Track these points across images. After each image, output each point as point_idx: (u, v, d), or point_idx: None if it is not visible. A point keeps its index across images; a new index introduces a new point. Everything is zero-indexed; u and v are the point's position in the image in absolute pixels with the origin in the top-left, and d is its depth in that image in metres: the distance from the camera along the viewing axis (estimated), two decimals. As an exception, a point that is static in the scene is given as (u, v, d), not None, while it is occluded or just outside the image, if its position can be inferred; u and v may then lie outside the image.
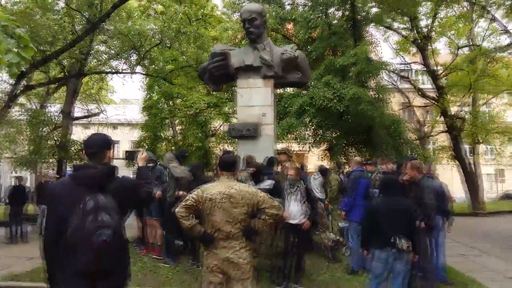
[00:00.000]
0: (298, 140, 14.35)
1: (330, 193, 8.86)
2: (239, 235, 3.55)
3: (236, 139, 9.65)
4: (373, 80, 15.59)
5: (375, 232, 4.63)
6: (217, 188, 3.58)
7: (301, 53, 9.48)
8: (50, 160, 15.31)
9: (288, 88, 15.76)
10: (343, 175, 9.60)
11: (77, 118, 20.54)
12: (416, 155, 15.28)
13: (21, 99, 18.36)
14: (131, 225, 10.63)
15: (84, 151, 2.95)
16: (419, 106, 24.76)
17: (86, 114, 21.46)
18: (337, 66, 13.30)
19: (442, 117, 21.01)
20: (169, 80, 14.75)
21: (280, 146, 15.62)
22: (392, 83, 25.61)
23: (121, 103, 34.84)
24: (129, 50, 13.99)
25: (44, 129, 16.21)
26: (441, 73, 20.97)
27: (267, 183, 6.42)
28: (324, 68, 13.84)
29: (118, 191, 2.70)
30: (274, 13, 15.82)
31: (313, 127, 15.48)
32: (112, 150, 2.95)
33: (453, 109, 21.25)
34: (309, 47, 14.90)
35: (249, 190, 3.65)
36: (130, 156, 3.61)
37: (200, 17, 18.99)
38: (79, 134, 23.03)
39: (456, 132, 19.48)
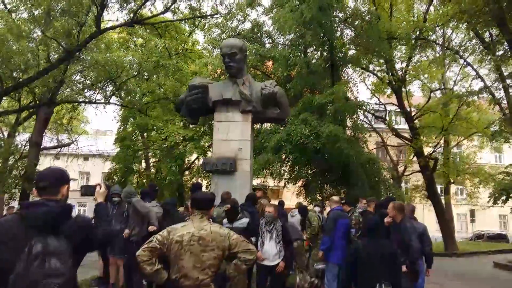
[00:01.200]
0: (274, 176, 14.16)
1: (311, 230, 8.52)
2: (208, 282, 3.13)
3: (211, 174, 9.33)
4: (349, 119, 15.74)
5: (357, 277, 4.34)
6: (186, 229, 3.19)
7: (280, 89, 9.43)
8: (14, 191, 14.51)
9: (265, 124, 15.74)
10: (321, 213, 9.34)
11: (46, 148, 19.83)
12: (391, 194, 15.30)
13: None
14: (93, 263, 10.06)
15: (35, 186, 2.56)
16: (394, 146, 25.21)
17: (56, 144, 20.77)
18: (315, 104, 13.38)
19: (415, 157, 21.33)
20: (145, 112, 14.48)
21: (256, 182, 15.41)
22: (368, 123, 26.15)
23: (94, 134, 34.16)
24: (105, 80, 13.73)
25: (10, 158, 15.53)
26: (415, 114, 21.48)
27: (242, 221, 6.16)
28: (302, 106, 13.91)
29: (72, 233, 2.33)
30: (254, 51, 16.00)
31: (289, 164, 15.36)
32: (68, 186, 2.60)
33: (427, 150, 21.66)
34: (287, 84, 15.00)
35: (221, 231, 3.25)
36: (87, 191, 3.18)
37: (181, 51, 19.06)
38: (47, 164, 22.31)
39: (429, 172, 19.74)
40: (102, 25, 13.24)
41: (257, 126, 15.78)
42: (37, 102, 14.30)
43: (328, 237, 6.59)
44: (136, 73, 13.95)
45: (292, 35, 16.02)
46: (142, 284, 6.95)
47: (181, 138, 16.36)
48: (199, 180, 18.77)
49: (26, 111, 17.46)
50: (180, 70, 15.28)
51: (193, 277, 3.09)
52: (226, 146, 8.93)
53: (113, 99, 15.29)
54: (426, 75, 21.76)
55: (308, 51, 16.55)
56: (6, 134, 18.47)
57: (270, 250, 5.78)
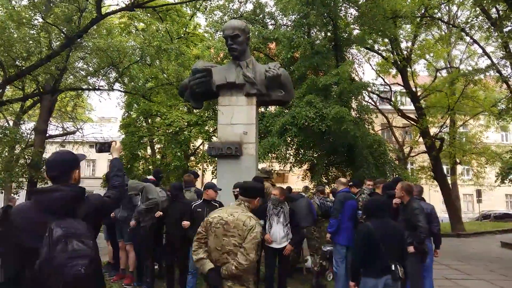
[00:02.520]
0: (280, 160, 14.10)
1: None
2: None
3: (216, 158, 9.29)
4: (355, 100, 15.58)
5: (369, 259, 4.21)
6: (220, 212, 3.33)
7: (285, 71, 9.29)
8: (20, 180, 14.56)
9: (270, 107, 15.63)
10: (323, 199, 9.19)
11: (52, 136, 19.84)
12: (397, 176, 15.24)
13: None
14: (102, 249, 10.13)
15: (46, 173, 2.60)
16: (399, 127, 24.99)
17: (61, 132, 20.79)
18: (320, 85, 13.23)
19: (421, 138, 21.17)
20: (148, 98, 14.39)
21: (261, 165, 15.39)
22: (373, 104, 25.95)
23: (99, 121, 34.15)
24: (108, 66, 13.60)
25: (16, 146, 15.55)
26: (420, 94, 21.23)
27: (251, 205, 6.12)
28: (306, 88, 13.76)
29: (89, 215, 2.41)
30: (257, 33, 15.80)
31: (294, 147, 15.29)
32: (78, 169, 2.61)
33: (432, 130, 21.48)
34: (291, 66, 14.83)
35: (247, 221, 3.18)
36: (102, 148, 3.18)
37: (182, 35, 18.85)
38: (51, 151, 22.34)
39: (435, 152, 19.60)
40: (103, 10, 13.08)
41: (262, 109, 15.70)
42: (41, 90, 14.23)
43: (336, 219, 6.54)
44: (139, 58, 13.81)
45: (295, 15, 15.77)
46: (153, 269, 6.99)
47: (186, 123, 16.28)
48: (205, 166, 18.78)
49: (30, 99, 17.43)
50: (182, 55, 15.10)
51: (213, 258, 3.19)
52: (231, 130, 8.87)
53: (117, 86, 15.20)
54: (431, 54, 21.46)
55: (311, 31, 16.30)
56: (11, 123, 18.53)
57: (278, 233, 5.76)
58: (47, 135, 18.95)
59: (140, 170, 18.19)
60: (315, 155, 15.99)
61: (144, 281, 6.78)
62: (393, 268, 4.08)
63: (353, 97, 15.07)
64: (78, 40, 11.92)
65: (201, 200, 6.23)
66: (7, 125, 15.28)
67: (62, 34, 11.41)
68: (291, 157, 15.59)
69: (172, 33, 16.78)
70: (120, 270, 7.48)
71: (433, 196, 24.16)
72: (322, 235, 7.58)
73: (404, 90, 21.58)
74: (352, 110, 15.50)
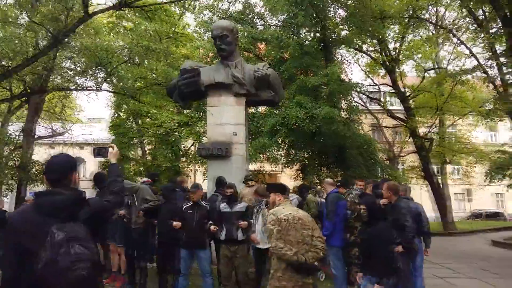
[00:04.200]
0: (271, 160, 14.09)
1: (312, 212, 8.34)
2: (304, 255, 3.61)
3: (206, 159, 9.24)
4: (344, 100, 15.63)
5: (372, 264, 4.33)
6: (286, 210, 3.77)
7: (273, 71, 9.32)
8: (10, 182, 14.38)
9: (260, 108, 15.61)
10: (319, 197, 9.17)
11: (40, 138, 19.62)
12: (387, 175, 15.33)
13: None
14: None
15: (45, 176, 2.57)
16: (389, 127, 25.17)
17: (50, 133, 20.57)
18: (309, 86, 13.24)
19: (411, 137, 21.34)
20: (137, 98, 14.26)
21: (252, 166, 15.36)
22: (363, 105, 26.07)
23: (89, 122, 33.80)
24: (96, 67, 13.44)
25: (5, 148, 15.33)
26: (409, 95, 21.39)
27: (241, 205, 6.12)
28: (296, 88, 13.77)
29: (89, 218, 2.41)
30: (246, 33, 15.77)
31: (285, 147, 15.29)
32: (77, 172, 2.64)
33: (422, 130, 21.65)
34: (281, 67, 14.82)
35: (308, 215, 3.96)
36: (99, 152, 3.17)
37: (171, 35, 18.71)
38: (42, 154, 22.09)
39: (424, 152, 19.77)
40: (91, 9, 12.94)
41: (252, 110, 15.67)
42: (28, 90, 14.03)
43: (331, 222, 6.36)
44: (127, 58, 13.66)
45: (284, 16, 15.80)
46: (146, 270, 6.90)
47: (176, 124, 16.17)
48: (196, 167, 18.65)
49: (18, 100, 17.19)
50: (171, 55, 14.98)
51: (294, 250, 3.58)
52: (220, 130, 8.86)
53: (105, 86, 15.02)
54: (419, 55, 21.63)
55: (300, 32, 16.31)
56: (-1, 124, 18.29)
57: (260, 234, 5.76)
58: (36, 136, 18.76)
59: (131, 171, 18.01)
60: (306, 156, 16.02)
61: (137, 283, 6.71)
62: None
63: (342, 98, 15.10)
64: (66, 39, 11.79)
65: (191, 202, 6.17)
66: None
67: (48, 34, 11.26)
68: (282, 157, 15.58)
69: (160, 33, 16.65)
70: (112, 272, 7.40)
71: (424, 195, 24.35)
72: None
73: (393, 91, 21.73)
74: (341, 110, 15.55)
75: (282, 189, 4.07)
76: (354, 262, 6.44)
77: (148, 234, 6.68)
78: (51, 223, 2.20)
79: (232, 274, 5.98)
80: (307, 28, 16.35)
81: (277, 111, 13.97)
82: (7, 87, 16.05)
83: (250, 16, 17.40)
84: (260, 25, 17.91)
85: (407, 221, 5.11)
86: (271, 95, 9.07)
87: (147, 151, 20.55)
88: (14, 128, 18.23)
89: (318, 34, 16.49)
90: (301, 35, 16.32)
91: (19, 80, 13.95)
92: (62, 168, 2.53)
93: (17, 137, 15.88)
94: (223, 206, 6.11)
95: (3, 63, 12.20)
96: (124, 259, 6.95)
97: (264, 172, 15.78)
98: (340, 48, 18.53)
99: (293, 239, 3.62)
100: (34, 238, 2.20)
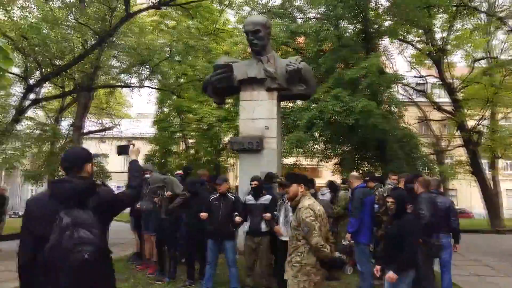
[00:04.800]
0: (307, 155, 14.04)
1: (337, 210, 8.23)
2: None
3: (238, 153, 9.38)
4: (385, 93, 15.22)
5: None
6: (317, 205, 3.80)
7: (306, 65, 9.28)
8: (60, 174, 15.28)
9: (298, 102, 15.56)
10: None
11: (90, 132, 20.69)
12: (429, 170, 14.85)
13: (40, 113, 18.71)
14: (130, 241, 10.53)
15: (60, 165, 2.77)
16: (435, 120, 24.19)
17: (100, 128, 21.69)
18: (347, 79, 13.03)
19: (459, 131, 20.43)
20: (177, 94, 14.73)
21: (288, 160, 15.40)
22: (409, 97, 25.26)
23: (137, 117, 35.21)
24: (139, 64, 14.04)
25: (57, 143, 16.33)
26: (457, 86, 20.44)
27: (266, 198, 6.24)
28: (333, 81, 13.60)
29: (97, 206, 2.53)
30: (284, 27, 15.76)
31: (323, 141, 15.16)
32: (91, 164, 2.78)
33: (471, 123, 20.64)
34: (319, 60, 14.67)
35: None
36: (122, 151, 3.36)
37: (212, 31, 19.07)
38: (93, 147, 23.24)
39: (472, 146, 18.87)
40: (134, 9, 13.51)
41: (290, 104, 15.68)
42: (77, 87, 14.88)
43: (356, 218, 6.17)
44: (168, 55, 14.13)
45: (324, 8, 15.59)
46: (176, 259, 7.21)
47: (216, 118, 16.51)
48: (232, 160, 18.95)
49: (70, 97, 18.26)
50: (210, 51, 15.32)
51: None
52: (252, 125, 8.98)
53: (148, 83, 15.64)
54: (469, 44, 20.56)
55: (340, 24, 16.03)
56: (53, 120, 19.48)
57: (283, 227, 5.84)
58: (87, 131, 19.84)
59: (173, 165, 18.62)
60: (345, 149, 15.84)
61: (167, 270, 7.04)
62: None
63: (382, 90, 14.70)
64: (109, 38, 12.39)
65: (218, 194, 6.36)
66: (46, 122, 16.02)
67: (94, 34, 11.90)
68: (319, 151, 15.47)
69: (202, 30, 17.04)
70: (145, 260, 7.79)
71: (473, 191, 23.30)
72: (339, 230, 7.53)
73: (440, 82, 20.84)
74: (382, 103, 15.18)
75: (307, 181, 4.02)
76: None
77: (178, 225, 6.93)
78: (60, 209, 2.36)
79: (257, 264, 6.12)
80: (347, 20, 16.06)
81: (314, 105, 13.86)
82: (60, 85, 17.13)
83: (290, 9, 17.32)
84: (299, 18, 17.81)
85: (421, 210, 5.00)
86: (303, 88, 9.07)
87: (190, 145, 21.13)
88: (67, 124, 19.39)
89: (359, 26, 16.15)
90: (340, 27, 16.07)
91: (69, 78, 14.86)
92: (75, 159, 2.69)
93: (67, 131, 16.81)
94: (248, 198, 6.27)
95: (56, 62, 13.05)
96: (155, 247, 7.28)
97: (301, 166, 15.72)
98: (382, 39, 18.04)
99: (324, 235, 3.70)
100: (46, 223, 2.35)
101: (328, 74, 14.42)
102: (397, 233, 4.33)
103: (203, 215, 6.22)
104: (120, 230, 12.28)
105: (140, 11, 12.71)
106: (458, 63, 23.66)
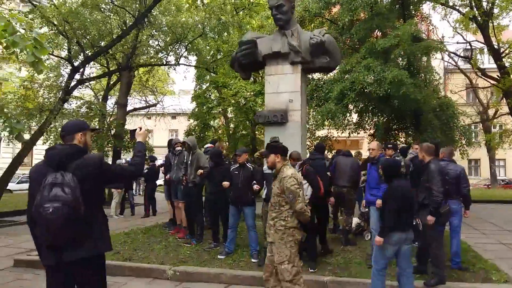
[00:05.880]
0: (337, 127, 14.10)
1: None
2: None
3: (264, 126, 9.74)
4: (419, 62, 14.82)
5: (399, 215, 4.51)
6: (299, 174, 4.41)
7: (329, 36, 9.34)
8: (106, 149, 16.36)
9: (331, 73, 15.51)
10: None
11: (135, 109, 21.73)
12: (467, 140, 14.50)
13: (87, 92, 19.93)
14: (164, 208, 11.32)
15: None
16: (480, 88, 23.17)
17: (144, 105, 22.76)
18: (379, 48, 12.86)
19: (504, 98, 19.52)
20: (212, 70, 15.17)
21: (320, 133, 15.55)
22: (453, 64, 24.32)
23: (180, 93, 36.26)
24: (174, 42, 14.56)
25: (106, 120, 17.39)
26: (504, 51, 19.41)
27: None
28: (365, 51, 13.46)
29: (79, 168, 2.84)
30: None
31: (356, 112, 15.13)
32: (83, 134, 3.10)
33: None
34: (351, 30, 14.50)
35: None
36: (133, 134, 3.71)
37: (247, 5, 19.18)
38: (138, 124, 24.45)
39: (519, 114, 18.02)
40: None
41: (321, 76, 15.68)
42: (118, 67, 15.70)
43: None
44: (201, 33, 14.53)
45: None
46: (203, 223, 7.86)
47: (250, 93, 16.86)
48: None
49: (115, 76, 19.25)
50: (244, 26, 15.55)
51: None
52: (277, 98, 9.24)
53: (184, 60, 16.18)
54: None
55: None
56: (100, 98, 20.66)
57: None
58: (132, 108, 20.91)
59: (212, 138, 19.30)
60: (380, 120, 15.73)
61: (195, 234, 7.68)
62: (415, 223, 4.42)
63: (418, 59, 14.32)
64: (146, 19, 12.97)
65: (237, 164, 6.82)
66: (92, 101, 17.05)
67: (129, 15, 12.51)
68: (352, 123, 15.46)
69: (236, 5, 17.22)
70: (177, 225, 8.49)
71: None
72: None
73: (485, 48, 19.85)
74: (420, 72, 14.81)
75: (283, 151, 4.38)
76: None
77: (201, 192, 7.51)
78: (49, 172, 2.77)
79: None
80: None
81: (348, 76, 13.81)
82: (105, 65, 18.10)
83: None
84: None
85: (434, 184, 5.15)
86: (326, 61, 9.17)
87: (229, 120, 21.70)
88: (112, 101, 20.51)
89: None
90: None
91: (111, 59, 15.70)
92: (68, 129, 3.09)
93: (112, 109, 17.82)
94: (266, 168, 6.67)
95: (97, 44, 13.85)
96: (184, 214, 7.92)
97: (332, 138, 15.79)
98: (422, 4, 17.34)
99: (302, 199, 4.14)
100: (38, 184, 2.75)
101: (361, 44, 14.26)
102: (382, 200, 4.64)
103: (225, 183, 6.74)
104: (161, 200, 13.18)
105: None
106: (508, 27, 22.31)
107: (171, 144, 8.72)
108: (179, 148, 8.24)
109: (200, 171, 7.30)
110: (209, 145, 9.08)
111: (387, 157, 7.11)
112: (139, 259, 6.66)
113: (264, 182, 6.61)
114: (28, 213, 2.94)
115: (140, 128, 3.58)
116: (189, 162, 7.61)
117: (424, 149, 5.54)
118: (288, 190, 4.01)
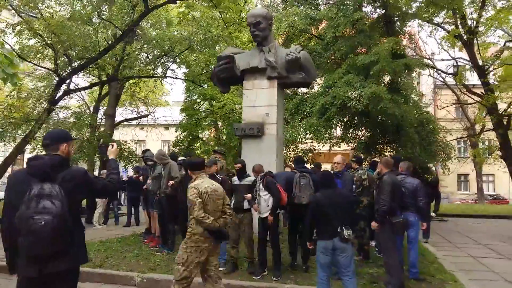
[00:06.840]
0: (318, 140, 14.36)
1: None
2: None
3: (241, 138, 10.04)
4: (403, 77, 15.15)
5: (320, 224, 4.84)
6: (205, 184, 4.45)
7: (305, 53, 9.70)
8: (94, 160, 16.57)
9: (315, 88, 15.84)
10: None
11: (126, 120, 22.01)
12: (445, 155, 14.79)
13: (73, 102, 20.21)
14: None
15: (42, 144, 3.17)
16: (466, 104, 23.59)
17: (136, 116, 23.07)
18: (358, 64, 13.20)
19: (488, 114, 19.87)
20: (198, 83, 15.48)
21: (303, 146, 15.80)
22: (441, 80, 24.73)
23: (173, 105, 36.56)
24: (161, 55, 14.89)
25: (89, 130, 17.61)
26: (487, 68, 19.82)
27: (248, 179, 6.85)
28: (346, 67, 13.81)
29: (65, 181, 2.83)
30: (303, 14, 15.99)
31: (339, 126, 15.43)
32: (67, 145, 3.08)
33: (503, 106, 19.98)
34: (333, 46, 14.88)
35: (221, 187, 4.70)
36: (102, 151, 4.07)
37: (236, 21, 19.56)
38: (130, 134, 24.67)
39: (501, 130, 18.35)
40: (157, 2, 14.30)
41: (305, 90, 15.99)
42: (107, 78, 16.00)
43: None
44: (187, 46, 14.85)
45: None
46: (175, 233, 8.06)
47: (237, 105, 17.15)
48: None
49: (106, 87, 19.55)
50: (232, 40, 15.90)
51: (212, 218, 4.34)
52: (254, 112, 9.57)
53: (170, 73, 16.50)
54: (504, 26, 19.76)
55: (362, 6, 15.83)
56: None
57: (262, 204, 6.44)
58: (124, 118, 21.20)
59: (199, 150, 19.55)
60: (363, 134, 16.02)
61: (167, 243, 7.87)
62: (339, 230, 4.62)
63: (398, 75, 14.62)
64: (132, 32, 13.31)
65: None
66: (82, 111, 17.29)
67: (117, 29, 12.85)
68: (334, 137, 15.73)
69: (226, 20, 17.55)
70: (152, 234, 8.69)
71: (504, 176, 22.63)
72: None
73: (470, 65, 20.26)
74: (402, 88, 15.11)
75: (193, 166, 4.68)
76: (358, 235, 6.83)
77: (175, 202, 7.72)
78: (32, 182, 2.71)
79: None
80: (367, 2, 15.98)
81: (329, 91, 14.11)
82: (97, 76, 18.41)
83: (312, -4, 17.45)
84: (323, 4, 17.98)
85: (383, 193, 5.43)
86: (302, 76, 9.52)
87: (219, 132, 21.94)
88: (102, 112, 20.74)
89: (378, 11, 16.11)
90: (364, 10, 16.01)
91: (100, 70, 16.01)
92: (52, 138, 3.04)
93: (101, 120, 18.08)
94: (234, 179, 6.93)
95: (84, 56, 14.15)
96: (157, 223, 8.14)
97: (315, 151, 16.03)
98: (407, 22, 17.75)
99: (210, 208, 4.36)
100: (19, 193, 2.71)
101: (344, 60, 14.61)
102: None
103: None
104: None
105: (159, 5, 13.48)
106: (493, 44, 22.78)
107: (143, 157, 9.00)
108: (150, 162, 8.52)
109: (171, 182, 7.53)
110: (181, 158, 9.35)
111: (353, 170, 7.43)
112: (110, 266, 6.83)
113: (232, 193, 6.84)
114: (3, 220, 2.90)
115: (112, 146, 3.63)
116: (162, 173, 7.86)
117: (382, 163, 5.83)
118: (188, 200, 4.36)
